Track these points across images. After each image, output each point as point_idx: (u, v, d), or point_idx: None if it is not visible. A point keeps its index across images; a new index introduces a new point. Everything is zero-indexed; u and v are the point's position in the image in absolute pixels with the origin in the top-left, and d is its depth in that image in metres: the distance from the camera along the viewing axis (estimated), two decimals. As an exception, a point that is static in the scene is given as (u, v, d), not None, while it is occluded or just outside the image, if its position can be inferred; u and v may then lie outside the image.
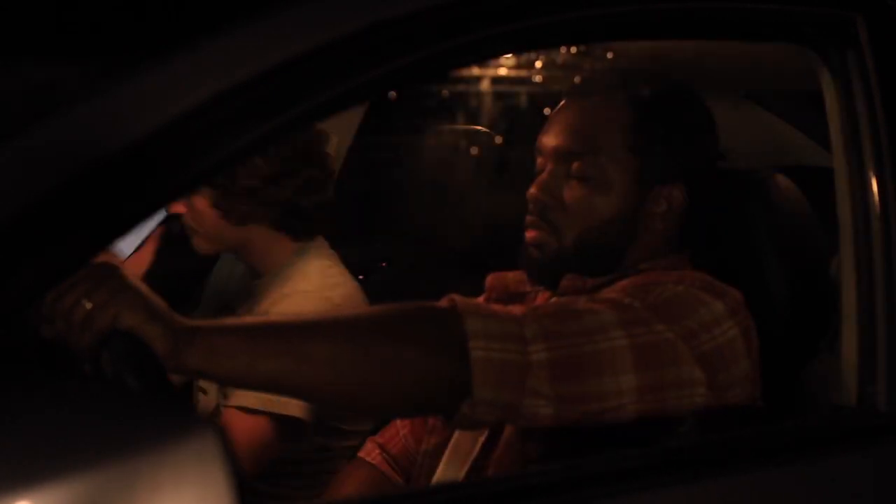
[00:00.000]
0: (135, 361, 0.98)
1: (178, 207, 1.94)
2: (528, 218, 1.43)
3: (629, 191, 1.39)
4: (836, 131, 1.26)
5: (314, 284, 1.92)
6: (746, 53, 2.03)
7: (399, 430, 1.68)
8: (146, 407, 0.83)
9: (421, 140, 2.69)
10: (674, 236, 1.44)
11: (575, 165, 1.39)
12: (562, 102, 1.46)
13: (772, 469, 1.12)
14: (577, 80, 1.49)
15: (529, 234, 1.43)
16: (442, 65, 1.07)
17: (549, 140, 1.42)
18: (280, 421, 1.79)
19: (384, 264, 2.30)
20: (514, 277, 1.57)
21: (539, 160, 1.45)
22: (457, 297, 1.19)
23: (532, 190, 1.42)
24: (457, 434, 1.45)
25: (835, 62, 1.25)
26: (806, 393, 1.50)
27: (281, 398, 1.79)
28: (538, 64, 2.36)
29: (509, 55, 2.12)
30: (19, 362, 0.95)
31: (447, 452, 1.46)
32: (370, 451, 1.69)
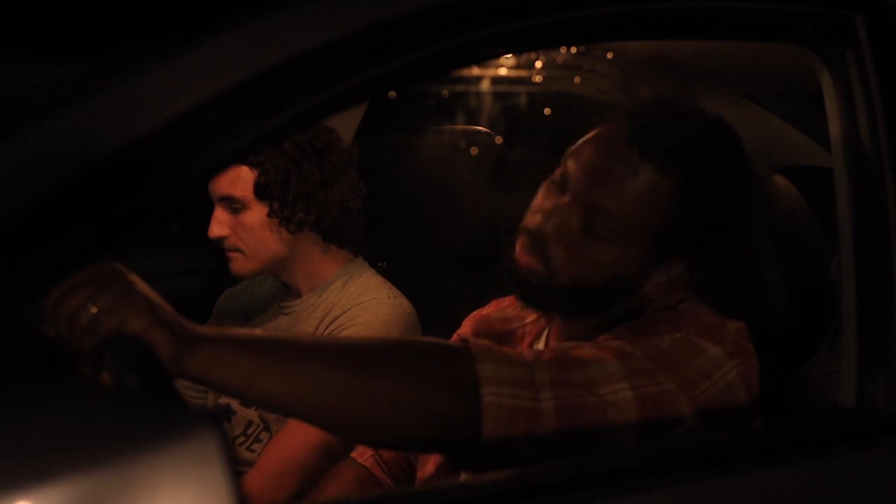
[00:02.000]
0: (136, 362, 0.98)
1: (221, 230, 1.93)
2: (524, 240, 1.35)
3: (637, 261, 1.32)
4: (836, 131, 1.26)
5: (383, 293, 1.95)
6: (746, 53, 2.03)
7: None
8: (146, 407, 0.83)
9: (421, 140, 2.69)
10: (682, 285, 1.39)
11: (597, 221, 1.30)
12: (611, 127, 1.34)
13: (772, 469, 1.12)
14: (631, 106, 1.36)
15: (522, 258, 1.35)
16: (442, 65, 1.07)
17: (582, 177, 1.32)
18: None
19: (383, 264, 2.30)
20: (496, 316, 1.57)
21: (559, 172, 1.36)
22: (470, 339, 1.17)
23: (538, 219, 1.34)
24: None
25: (835, 62, 1.25)
26: (806, 393, 1.50)
27: None
28: (538, 64, 2.36)
29: (509, 55, 2.12)
30: (19, 362, 0.95)
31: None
32: (363, 453, 1.69)
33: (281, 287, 2.09)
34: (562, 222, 1.32)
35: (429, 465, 1.51)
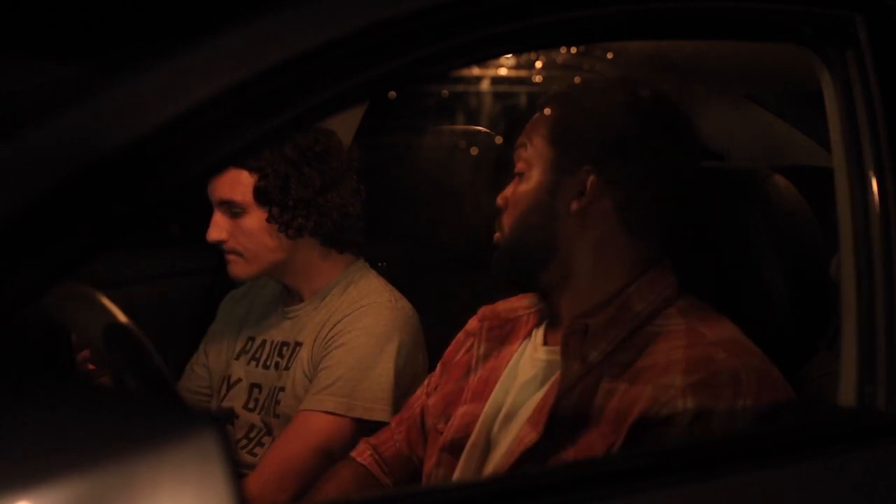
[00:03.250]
0: (135, 361, 0.98)
1: (219, 234, 1.93)
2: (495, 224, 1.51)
3: (546, 177, 1.43)
4: (836, 131, 1.26)
5: (385, 297, 1.96)
6: (746, 53, 2.03)
7: (393, 435, 1.68)
8: (146, 407, 0.83)
9: (421, 140, 2.69)
10: (648, 245, 1.43)
11: (516, 164, 1.47)
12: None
13: (772, 469, 1.12)
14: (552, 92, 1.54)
15: (496, 241, 1.51)
16: (442, 65, 1.07)
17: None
18: (359, 424, 1.82)
19: (383, 264, 2.30)
20: (504, 307, 1.60)
21: None
22: None
23: (500, 196, 1.50)
24: (476, 430, 1.46)
25: (834, 62, 1.25)
26: (806, 393, 1.50)
27: (365, 402, 1.82)
28: (538, 64, 2.36)
29: (509, 55, 2.11)
30: (19, 362, 0.95)
31: (467, 448, 1.46)
32: (362, 452, 1.69)
33: (283, 291, 2.09)
34: (502, 196, 1.50)
35: (434, 455, 1.51)
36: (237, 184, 1.92)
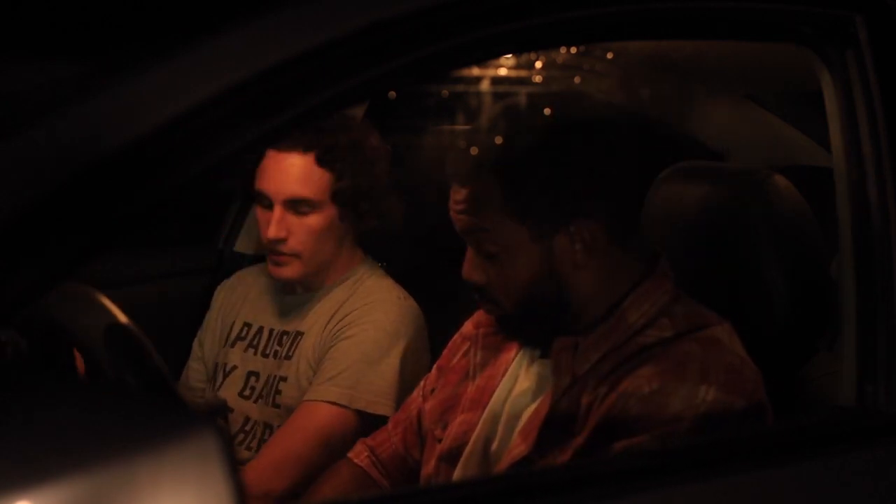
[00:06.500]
0: (135, 361, 0.98)
1: (280, 232, 1.89)
2: (474, 294, 1.45)
3: (533, 252, 1.37)
4: (836, 131, 1.26)
5: (394, 294, 1.96)
6: (746, 53, 2.03)
7: (390, 436, 1.68)
8: (146, 407, 0.83)
9: (421, 140, 2.69)
10: (640, 247, 1.42)
11: (481, 248, 1.39)
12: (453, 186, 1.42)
13: (772, 469, 1.12)
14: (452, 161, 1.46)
15: (484, 308, 1.48)
16: (442, 65, 1.07)
17: (456, 219, 1.42)
18: (363, 417, 1.82)
19: (384, 264, 2.30)
20: None
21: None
22: None
23: (464, 268, 1.43)
24: (473, 440, 1.46)
25: (834, 62, 1.25)
26: (806, 393, 1.50)
27: (368, 396, 1.82)
28: (538, 64, 2.35)
29: (509, 55, 2.11)
30: (19, 362, 0.95)
31: (464, 456, 1.46)
32: (359, 453, 1.69)
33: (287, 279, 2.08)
34: (472, 264, 1.44)
35: (431, 462, 1.51)
36: (309, 181, 1.90)
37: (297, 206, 1.91)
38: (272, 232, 1.90)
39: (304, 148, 1.90)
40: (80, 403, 0.79)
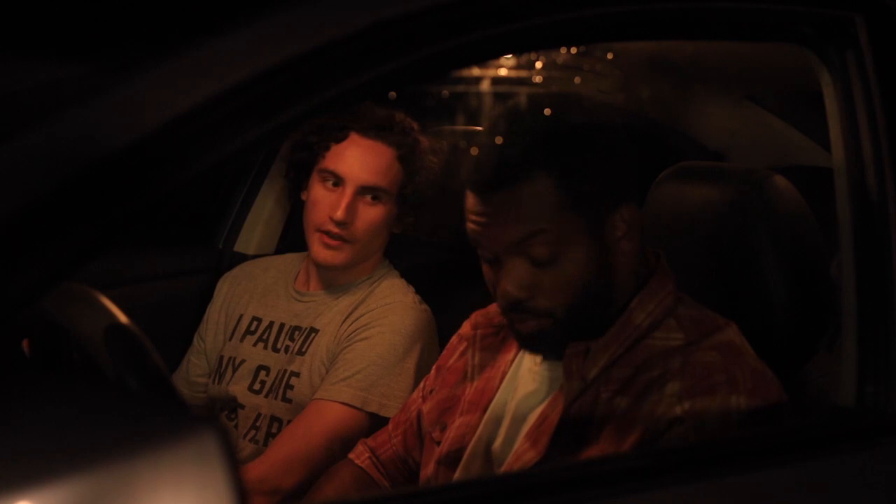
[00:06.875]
0: (135, 361, 0.98)
1: (346, 214, 1.90)
2: (510, 314, 1.36)
3: (589, 242, 1.33)
4: (836, 131, 1.26)
5: (410, 298, 1.97)
6: (746, 53, 2.03)
7: (391, 437, 1.68)
8: (146, 407, 0.83)
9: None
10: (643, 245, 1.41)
11: (534, 256, 1.31)
12: (475, 195, 1.34)
13: (772, 469, 1.12)
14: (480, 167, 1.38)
15: (524, 327, 1.36)
16: (442, 65, 1.07)
17: (495, 232, 1.33)
18: (374, 419, 1.83)
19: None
20: (496, 311, 1.56)
21: (483, 252, 1.36)
22: None
23: (507, 287, 1.33)
24: (474, 442, 1.45)
25: (834, 62, 1.25)
26: (806, 393, 1.50)
27: (381, 399, 1.82)
28: (538, 64, 2.35)
29: (509, 55, 2.12)
30: (19, 362, 0.95)
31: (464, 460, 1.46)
32: (360, 454, 1.69)
33: (299, 274, 2.08)
34: (518, 275, 1.35)
35: (430, 465, 1.51)
36: (389, 173, 1.95)
37: (371, 193, 1.94)
38: (340, 213, 1.91)
39: (391, 142, 1.96)
40: (80, 403, 0.79)
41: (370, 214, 1.94)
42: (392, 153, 1.96)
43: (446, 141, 2.12)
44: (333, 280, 2.01)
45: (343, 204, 1.91)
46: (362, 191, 1.94)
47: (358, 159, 1.94)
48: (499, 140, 1.39)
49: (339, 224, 1.92)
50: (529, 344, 1.40)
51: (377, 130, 1.96)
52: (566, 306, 1.34)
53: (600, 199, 1.33)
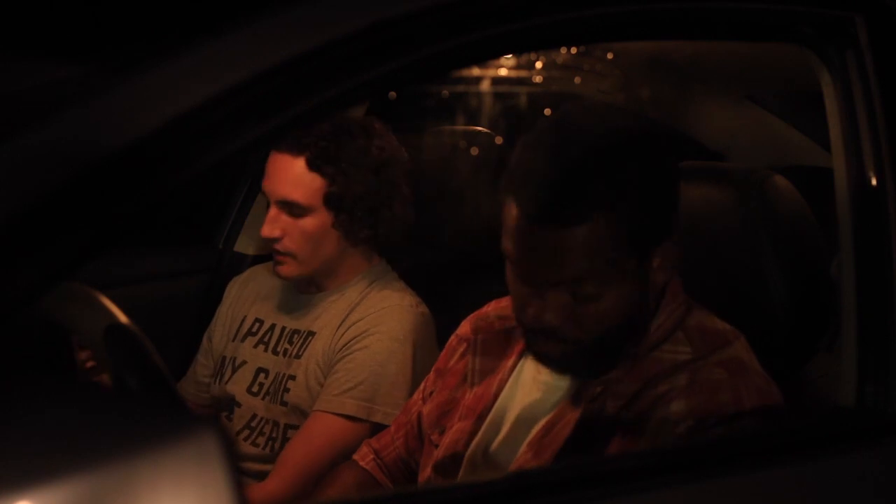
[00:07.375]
0: (135, 361, 0.98)
1: (274, 231, 1.89)
2: (536, 335, 1.34)
3: (632, 279, 1.31)
4: (836, 131, 1.26)
5: (407, 300, 1.96)
6: (746, 53, 2.03)
7: (393, 440, 1.68)
8: (146, 407, 0.83)
9: (421, 140, 2.69)
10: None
11: (577, 292, 1.29)
12: (530, 223, 1.27)
13: (772, 469, 1.12)
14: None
15: (547, 349, 1.34)
16: (442, 65, 1.07)
17: (542, 263, 1.29)
18: (375, 427, 1.82)
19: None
20: (496, 313, 1.56)
21: (524, 286, 1.32)
22: None
23: (545, 316, 1.30)
24: (473, 447, 1.45)
25: (834, 62, 1.25)
26: (806, 393, 1.50)
27: (385, 408, 1.82)
28: (538, 64, 2.36)
29: (509, 55, 2.12)
30: (19, 362, 0.95)
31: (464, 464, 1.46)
32: (364, 455, 1.69)
33: (299, 278, 2.08)
34: (557, 307, 1.32)
35: (427, 468, 1.51)
36: (301, 184, 1.89)
37: (289, 207, 1.91)
38: (265, 230, 1.92)
39: (297, 151, 1.89)
40: (80, 403, 0.79)
41: (297, 227, 1.90)
42: (300, 162, 1.89)
43: (377, 121, 1.98)
44: (323, 283, 2.00)
45: (266, 221, 1.92)
46: (281, 206, 1.91)
47: (272, 174, 1.91)
48: (547, 158, 1.29)
49: (270, 241, 1.93)
50: (547, 363, 1.38)
51: (285, 142, 1.89)
52: (596, 336, 1.32)
53: (651, 235, 1.31)
